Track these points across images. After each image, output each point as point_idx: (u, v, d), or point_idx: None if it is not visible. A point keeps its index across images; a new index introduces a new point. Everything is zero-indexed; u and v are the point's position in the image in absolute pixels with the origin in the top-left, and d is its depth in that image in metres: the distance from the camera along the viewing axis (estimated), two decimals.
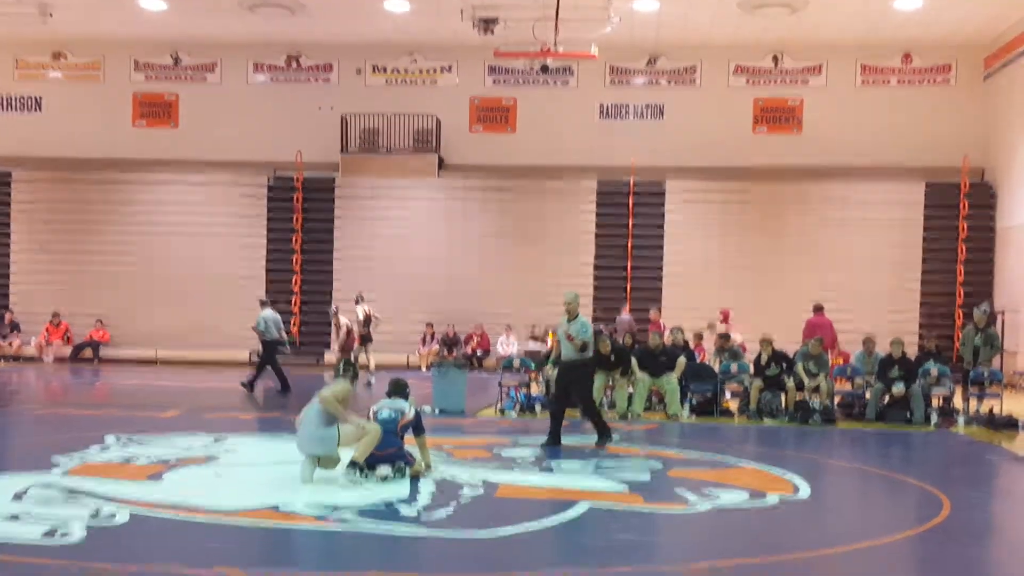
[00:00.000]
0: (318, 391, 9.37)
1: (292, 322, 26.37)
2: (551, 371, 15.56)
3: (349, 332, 20.86)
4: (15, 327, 26.29)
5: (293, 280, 26.79)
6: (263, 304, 19.60)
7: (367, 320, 21.27)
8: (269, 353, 19.08)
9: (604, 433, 12.31)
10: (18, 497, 7.97)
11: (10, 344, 26.05)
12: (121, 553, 6.49)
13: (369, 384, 19.66)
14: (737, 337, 21.25)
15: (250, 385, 18.74)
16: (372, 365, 20.95)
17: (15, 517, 7.25)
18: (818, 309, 20.79)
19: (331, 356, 21.61)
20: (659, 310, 22.88)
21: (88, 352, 26.05)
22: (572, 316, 12.41)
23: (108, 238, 27.02)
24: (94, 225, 27.10)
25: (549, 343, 21.37)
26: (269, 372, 19.05)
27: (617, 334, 19.83)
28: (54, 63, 28.14)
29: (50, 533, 6.81)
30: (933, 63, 26.35)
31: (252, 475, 9.66)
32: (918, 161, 25.88)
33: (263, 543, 7.14)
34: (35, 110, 28.10)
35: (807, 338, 20.63)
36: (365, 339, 21.15)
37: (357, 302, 21.61)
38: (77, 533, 6.86)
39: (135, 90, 27.98)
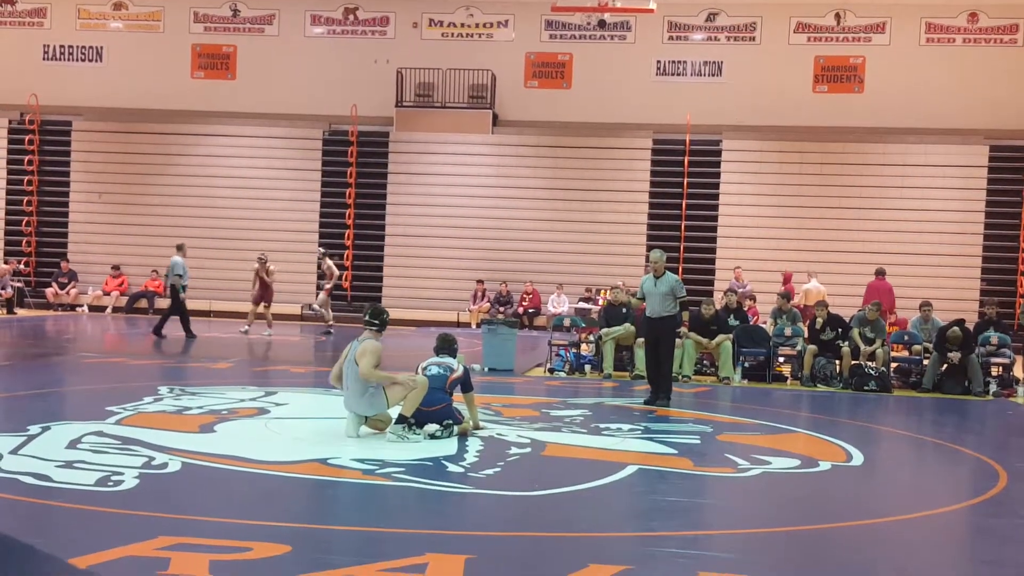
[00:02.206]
0: (354, 353, 9.11)
1: (344, 276, 26.52)
2: (606, 334, 15.50)
3: (266, 286, 21.10)
4: (72, 276, 26.70)
5: (346, 235, 26.89)
6: (177, 249, 19.82)
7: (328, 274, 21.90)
8: (174, 296, 19.40)
9: (663, 395, 12.19)
10: (73, 445, 8.08)
11: (67, 293, 26.48)
12: (171, 502, 6.55)
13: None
14: (818, 288, 21.25)
15: (187, 331, 19.24)
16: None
17: (69, 464, 7.35)
18: (880, 273, 20.52)
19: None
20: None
21: (143, 302, 26.41)
22: (659, 274, 12.35)
23: (164, 189, 27.28)
24: (151, 176, 27.38)
25: (600, 302, 21.26)
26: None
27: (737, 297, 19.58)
28: (115, 13, 28.32)
29: (103, 481, 6.89)
30: (1000, 23, 25.65)
31: (301, 429, 9.72)
32: (982, 123, 25.27)
33: (310, 496, 7.18)
34: (96, 60, 28.33)
35: (867, 302, 20.42)
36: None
37: (324, 257, 22.03)
38: (129, 481, 6.93)
39: (194, 42, 28.10)
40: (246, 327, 20.91)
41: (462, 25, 27.48)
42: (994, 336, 15.85)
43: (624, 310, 15.75)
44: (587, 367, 15.82)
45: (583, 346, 16.70)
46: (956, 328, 15.13)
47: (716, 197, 26.11)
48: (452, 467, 7.91)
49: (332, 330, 21.61)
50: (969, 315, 17.39)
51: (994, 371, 15.59)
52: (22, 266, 26.75)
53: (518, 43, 27.26)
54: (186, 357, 16.58)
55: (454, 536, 6.03)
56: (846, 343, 15.46)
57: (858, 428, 11.62)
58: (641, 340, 14.79)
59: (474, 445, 8.81)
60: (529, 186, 26.57)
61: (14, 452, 7.69)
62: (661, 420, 11.06)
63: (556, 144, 26.75)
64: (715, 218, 26.07)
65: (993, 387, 15.02)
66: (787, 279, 22.68)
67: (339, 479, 7.50)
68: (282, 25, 27.95)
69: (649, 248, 26.00)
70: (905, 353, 16.39)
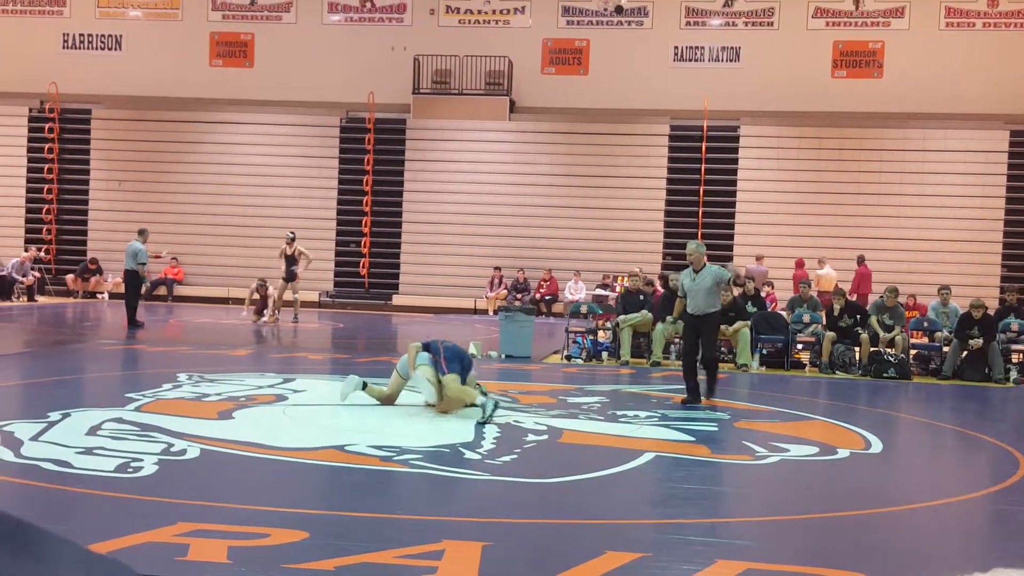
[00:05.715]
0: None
1: (361, 264, 26.55)
2: (623, 321, 15.47)
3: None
4: (98, 269, 26.80)
5: (363, 222, 26.92)
6: (139, 234, 19.38)
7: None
8: (129, 283, 18.85)
9: (711, 390, 11.47)
10: (93, 431, 8.12)
11: (86, 279, 26.60)
12: (190, 488, 6.58)
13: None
14: (830, 273, 21.31)
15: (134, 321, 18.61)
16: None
17: (89, 451, 7.38)
18: (860, 261, 21.06)
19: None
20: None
21: (163, 290, 26.51)
22: (698, 267, 11.42)
23: (183, 177, 27.38)
24: (170, 164, 27.48)
25: (617, 289, 21.21)
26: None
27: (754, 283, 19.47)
28: (134, 2, 28.38)
29: (122, 467, 6.92)
30: (1021, 6, 25.41)
31: (319, 415, 9.75)
32: (1002, 108, 25.08)
33: (328, 482, 7.20)
34: (115, 48, 28.42)
35: (853, 290, 20.58)
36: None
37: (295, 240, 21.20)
38: (148, 468, 6.96)
39: (212, 30, 28.15)
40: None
41: (479, 12, 27.43)
42: (1014, 323, 15.76)
43: (641, 297, 15.72)
44: (604, 354, 15.81)
45: (600, 333, 16.69)
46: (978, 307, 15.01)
47: (734, 183, 26.01)
48: (469, 454, 7.91)
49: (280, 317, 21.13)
50: (989, 302, 17.26)
51: (1015, 358, 15.52)
52: (42, 253, 26.89)
53: (535, 29, 27.19)
54: (205, 344, 16.64)
55: (471, 523, 6.03)
56: (865, 330, 15.39)
57: (877, 415, 11.57)
58: (659, 327, 14.80)
59: (491, 432, 8.82)
60: (546, 173, 26.53)
61: (34, 439, 7.73)
62: (678, 407, 11.03)
63: (573, 131, 26.68)
64: (733, 204, 25.98)
65: (1014, 374, 14.94)
66: (799, 264, 22.65)
67: (356, 466, 7.51)
68: (299, 12, 27.96)
69: (667, 235, 26.01)
70: (925, 340, 16.31)
